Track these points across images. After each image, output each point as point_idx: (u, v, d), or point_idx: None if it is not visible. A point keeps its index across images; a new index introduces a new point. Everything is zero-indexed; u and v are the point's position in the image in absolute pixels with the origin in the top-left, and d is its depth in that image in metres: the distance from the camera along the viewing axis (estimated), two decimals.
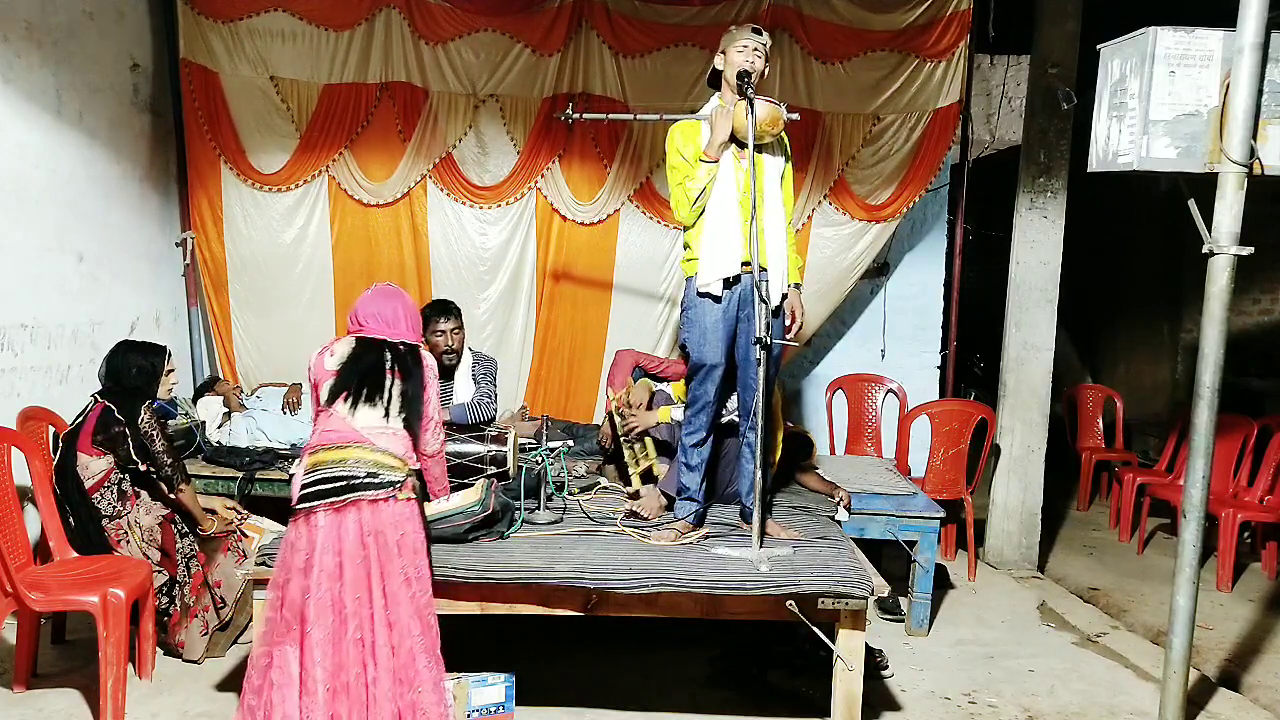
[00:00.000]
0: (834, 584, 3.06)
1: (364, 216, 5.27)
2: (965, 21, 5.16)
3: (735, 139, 3.38)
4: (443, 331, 4.35)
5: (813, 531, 3.61)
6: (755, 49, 3.38)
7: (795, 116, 3.45)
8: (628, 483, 4.06)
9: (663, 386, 4.26)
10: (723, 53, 3.46)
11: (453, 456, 3.83)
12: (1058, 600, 4.91)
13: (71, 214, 4.41)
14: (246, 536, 3.91)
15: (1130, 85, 3.23)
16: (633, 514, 3.68)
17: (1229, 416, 4.97)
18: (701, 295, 3.43)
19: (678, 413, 3.94)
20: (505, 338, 5.41)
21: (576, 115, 3.88)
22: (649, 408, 4.16)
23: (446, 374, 4.44)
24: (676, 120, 3.56)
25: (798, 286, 3.59)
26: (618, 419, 4.12)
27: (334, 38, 5.07)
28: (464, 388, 4.39)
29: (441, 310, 4.39)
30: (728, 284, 3.42)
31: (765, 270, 3.27)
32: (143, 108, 5.02)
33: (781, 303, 3.47)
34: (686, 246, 3.53)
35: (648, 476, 4.01)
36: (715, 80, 3.56)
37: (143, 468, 3.68)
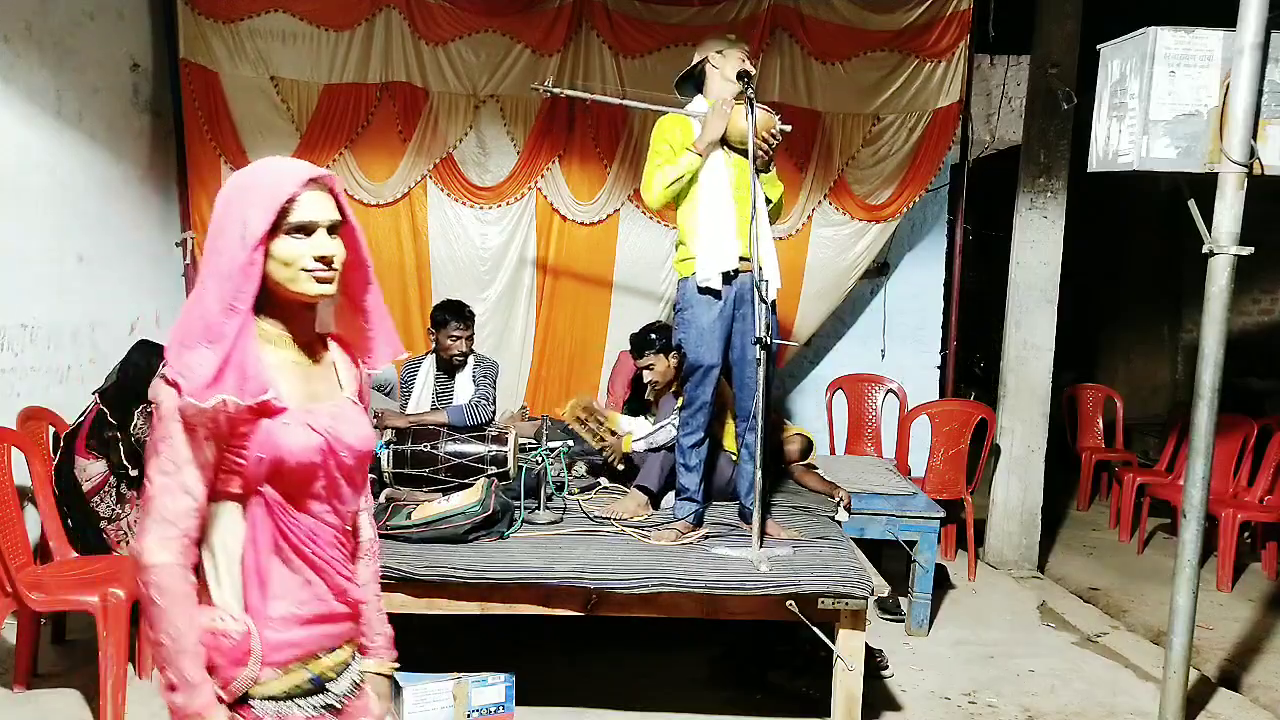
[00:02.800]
0: (834, 584, 3.06)
1: (364, 216, 5.26)
2: (965, 21, 5.16)
3: (726, 141, 3.39)
4: (457, 336, 4.36)
5: (813, 531, 3.61)
6: (744, 59, 3.43)
7: (788, 128, 3.47)
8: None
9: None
10: (715, 67, 3.45)
11: (453, 456, 3.84)
12: (1058, 600, 4.91)
13: (71, 214, 4.41)
14: None
15: (1130, 85, 3.24)
16: (603, 519, 3.64)
17: (1229, 416, 4.97)
18: (701, 292, 3.43)
19: (638, 445, 3.95)
20: (505, 338, 5.41)
21: (556, 90, 3.86)
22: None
23: (450, 373, 4.44)
24: (660, 109, 3.57)
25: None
26: (587, 435, 4.09)
27: (334, 38, 5.06)
28: (466, 390, 4.40)
29: (457, 314, 4.38)
30: (726, 279, 3.42)
31: (762, 269, 3.28)
32: (143, 108, 5.02)
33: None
34: (680, 245, 3.53)
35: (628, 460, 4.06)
36: (685, 82, 3.59)
37: (134, 473, 3.68)
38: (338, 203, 1.54)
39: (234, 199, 1.48)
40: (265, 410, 1.46)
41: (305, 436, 1.50)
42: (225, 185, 1.53)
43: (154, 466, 1.44)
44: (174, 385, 1.41)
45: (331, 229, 1.52)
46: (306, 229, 1.49)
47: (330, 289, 1.53)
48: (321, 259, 1.50)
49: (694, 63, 3.54)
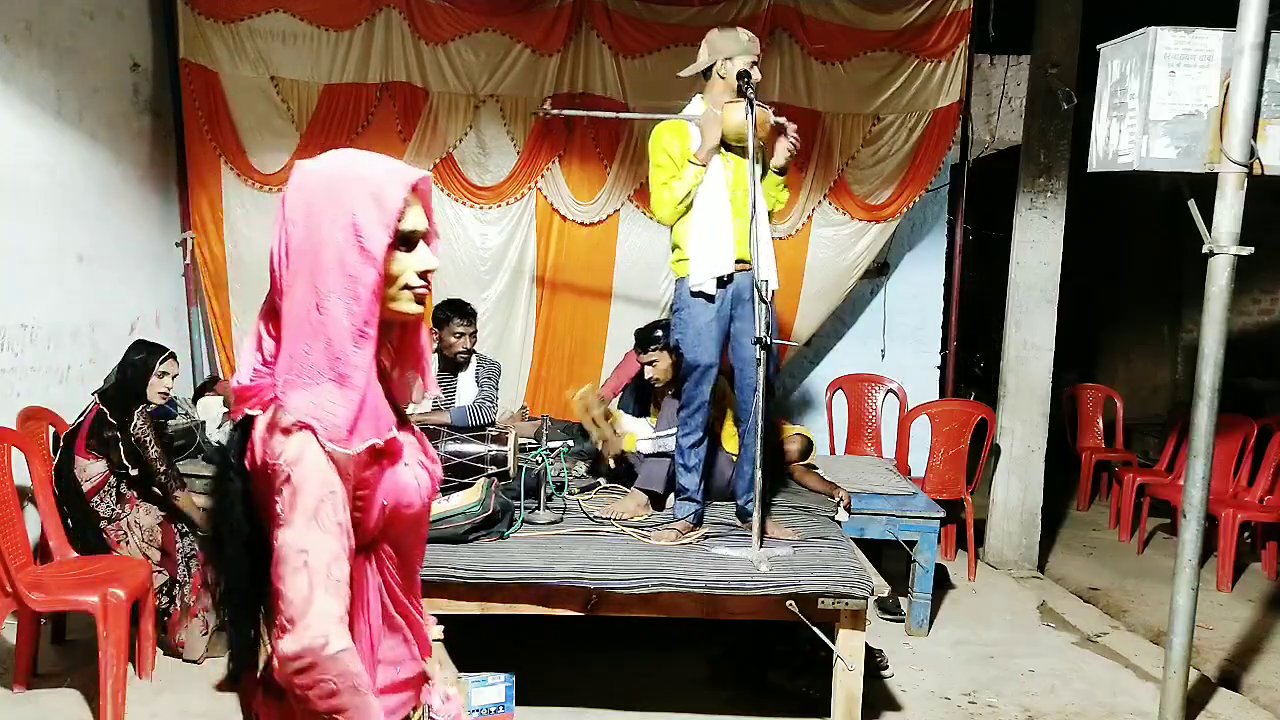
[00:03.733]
0: (834, 584, 3.06)
1: None
2: (965, 21, 5.16)
3: (722, 141, 3.38)
4: (460, 333, 4.36)
5: (813, 531, 3.61)
6: (755, 63, 3.39)
7: (782, 120, 3.45)
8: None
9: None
10: (721, 76, 3.41)
11: (453, 456, 3.83)
12: (1058, 600, 4.90)
13: (71, 214, 4.41)
14: None
15: (1130, 85, 3.23)
16: (603, 519, 3.63)
17: (1229, 416, 4.96)
18: (695, 295, 3.43)
19: (644, 445, 3.92)
20: (505, 338, 5.41)
21: (555, 111, 3.87)
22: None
23: (454, 371, 4.44)
24: (657, 116, 3.56)
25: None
26: (589, 426, 4.08)
27: (334, 38, 5.06)
28: (469, 390, 4.40)
29: (459, 311, 4.39)
30: (721, 283, 3.41)
31: (760, 270, 3.27)
32: (143, 108, 5.02)
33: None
34: (676, 247, 3.52)
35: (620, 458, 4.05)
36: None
37: (134, 472, 3.67)
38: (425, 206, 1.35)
39: (328, 203, 1.24)
40: (393, 451, 1.28)
41: (420, 476, 1.34)
42: (301, 182, 1.27)
43: (313, 532, 1.19)
44: (307, 429, 1.19)
45: (425, 237, 1.34)
46: (411, 240, 1.30)
47: (423, 307, 1.34)
48: (423, 273, 1.31)
49: (706, 63, 3.47)
